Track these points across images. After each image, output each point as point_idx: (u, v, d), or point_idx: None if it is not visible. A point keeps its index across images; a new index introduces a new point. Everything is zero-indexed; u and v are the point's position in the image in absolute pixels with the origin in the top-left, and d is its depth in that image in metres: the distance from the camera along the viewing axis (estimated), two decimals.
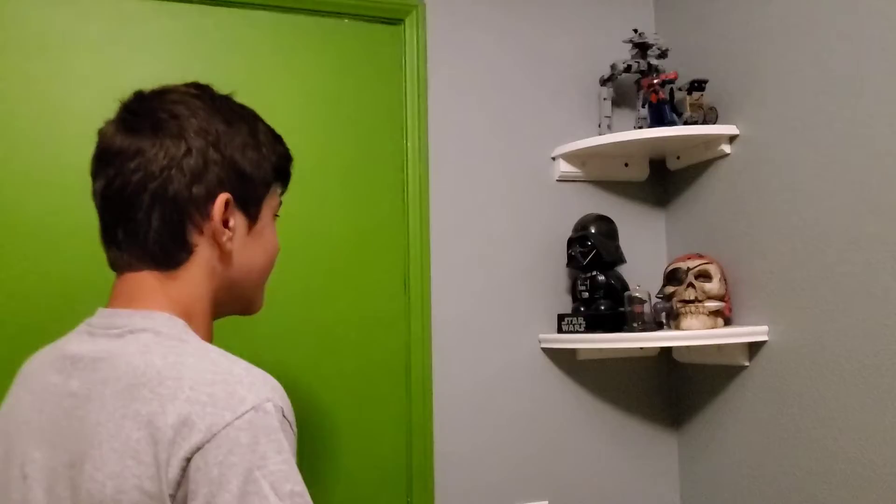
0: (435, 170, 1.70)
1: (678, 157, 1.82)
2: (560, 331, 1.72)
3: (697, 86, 1.66)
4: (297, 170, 1.63)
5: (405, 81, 1.69)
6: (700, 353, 1.73)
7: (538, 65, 1.82)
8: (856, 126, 1.34)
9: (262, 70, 1.59)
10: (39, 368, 0.88)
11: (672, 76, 1.68)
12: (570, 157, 1.79)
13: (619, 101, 1.85)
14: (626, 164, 1.85)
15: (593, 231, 1.69)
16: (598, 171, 1.82)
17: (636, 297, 1.63)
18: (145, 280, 0.87)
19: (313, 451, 1.56)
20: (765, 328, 1.55)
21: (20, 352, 1.37)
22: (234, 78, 1.57)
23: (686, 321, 1.60)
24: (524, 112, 1.79)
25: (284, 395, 0.81)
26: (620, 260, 1.70)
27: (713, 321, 1.59)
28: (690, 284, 1.60)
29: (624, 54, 1.78)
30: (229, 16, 1.57)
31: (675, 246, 1.86)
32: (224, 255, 0.90)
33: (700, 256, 1.65)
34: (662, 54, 1.75)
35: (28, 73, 1.42)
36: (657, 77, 1.69)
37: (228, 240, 0.89)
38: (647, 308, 1.63)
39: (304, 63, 1.62)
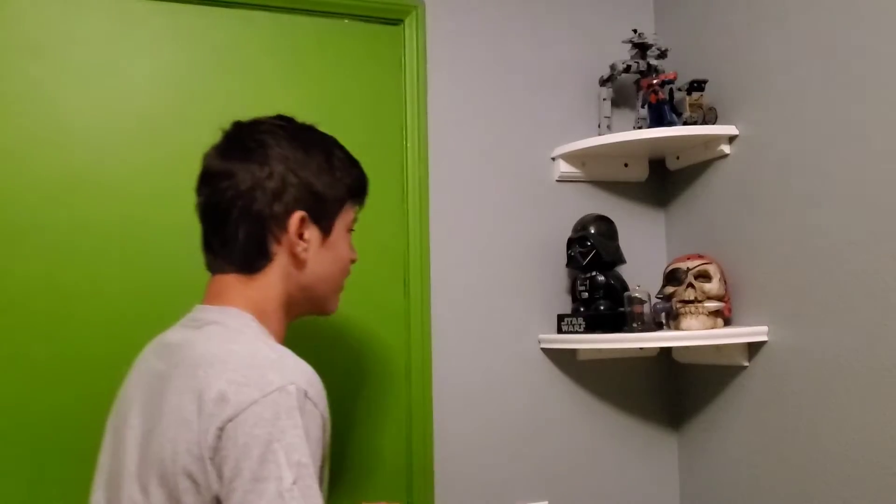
0: (434, 170, 1.70)
1: (678, 158, 1.82)
2: (560, 331, 1.72)
3: (697, 86, 1.67)
4: None
5: (405, 81, 1.69)
6: (700, 354, 1.73)
7: (538, 65, 1.82)
8: (855, 126, 1.34)
9: (261, 70, 1.59)
10: (146, 354, 1.06)
11: (671, 76, 1.68)
12: (569, 158, 1.79)
13: (618, 102, 1.85)
14: (626, 165, 1.85)
15: (593, 231, 1.69)
16: (597, 171, 1.82)
17: (636, 297, 1.63)
18: (230, 281, 1.04)
19: None
20: (764, 328, 1.55)
21: (18, 350, 1.37)
22: (234, 78, 1.57)
23: (686, 321, 1.60)
24: (524, 112, 1.79)
25: (314, 380, 0.92)
26: (620, 260, 1.70)
27: (713, 321, 1.59)
28: (690, 285, 1.60)
29: (623, 54, 1.78)
30: (228, 16, 1.57)
31: (674, 246, 1.86)
32: (299, 263, 1.05)
33: (700, 257, 1.65)
34: (662, 54, 1.75)
35: (26, 72, 1.42)
36: (657, 77, 1.69)
37: (303, 250, 1.04)
38: (646, 308, 1.63)
39: (304, 63, 1.62)
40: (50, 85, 1.44)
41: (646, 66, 1.73)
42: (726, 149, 1.66)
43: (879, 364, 1.29)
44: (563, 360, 1.77)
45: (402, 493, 1.62)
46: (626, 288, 1.68)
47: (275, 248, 1.03)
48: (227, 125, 1.10)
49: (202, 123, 1.54)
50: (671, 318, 1.65)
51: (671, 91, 1.69)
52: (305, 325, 1.59)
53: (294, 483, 0.82)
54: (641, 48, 1.75)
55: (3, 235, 1.39)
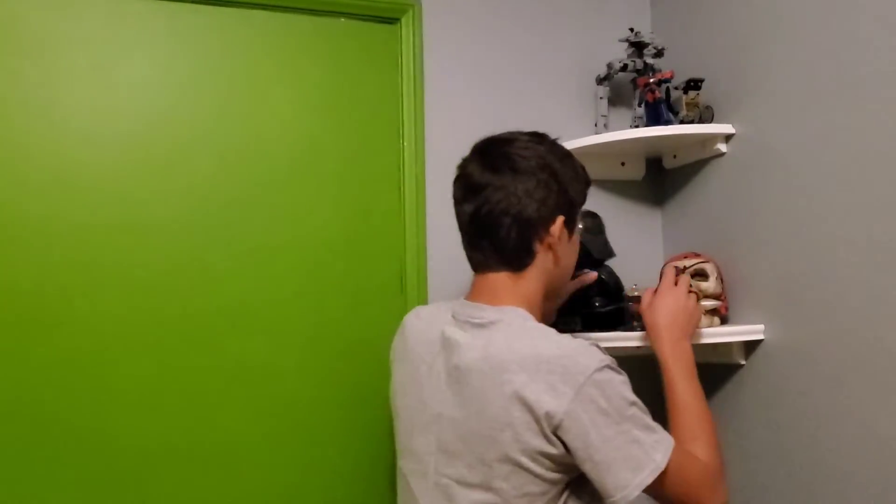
0: (431, 169, 1.70)
1: (674, 156, 1.82)
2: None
3: (693, 85, 1.66)
4: (293, 169, 1.64)
5: (401, 80, 1.69)
6: (696, 352, 1.72)
7: (534, 64, 1.82)
8: (852, 125, 1.34)
9: (258, 69, 1.59)
10: (420, 343, 1.24)
11: (668, 75, 1.68)
12: None
13: (615, 100, 1.85)
14: (623, 164, 1.85)
15: (579, 228, 1.68)
16: (594, 170, 1.78)
17: (635, 295, 1.63)
18: (502, 279, 1.21)
19: (308, 452, 1.57)
20: (761, 327, 1.55)
21: (14, 350, 1.37)
22: (230, 77, 1.57)
23: None
24: (520, 111, 1.79)
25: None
26: (610, 254, 1.69)
27: (709, 320, 1.59)
28: None
29: (620, 53, 1.78)
30: (225, 15, 1.57)
31: (671, 244, 1.86)
32: (556, 260, 1.23)
33: (696, 255, 1.65)
34: (659, 53, 1.75)
35: (23, 72, 1.42)
36: (653, 76, 1.69)
37: (560, 248, 1.22)
38: None
39: (301, 62, 1.62)
40: (46, 84, 1.44)
41: (642, 64, 1.73)
42: (723, 147, 1.66)
43: (875, 362, 1.29)
44: None
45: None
46: (619, 284, 1.67)
47: (537, 247, 1.20)
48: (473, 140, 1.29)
49: (199, 122, 1.54)
50: None
51: (668, 90, 1.69)
52: (299, 325, 1.59)
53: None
54: (638, 47, 1.74)
55: None
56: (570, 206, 1.24)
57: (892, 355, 1.26)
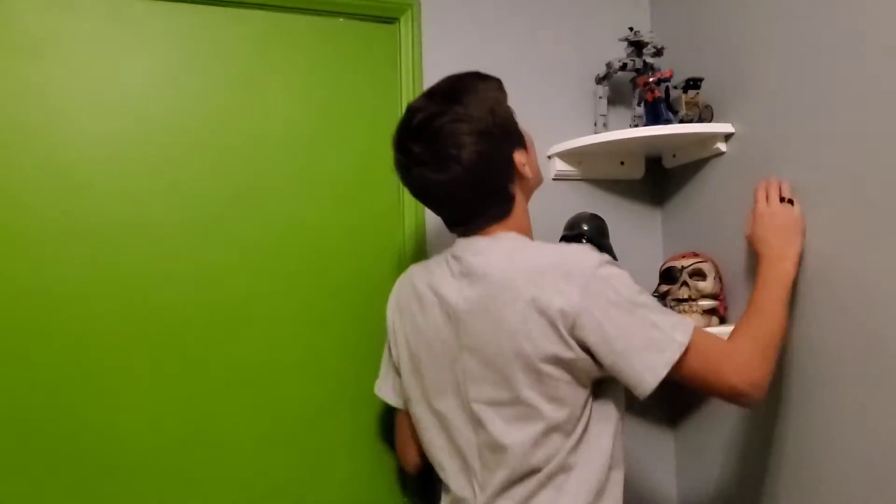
0: None
1: (674, 156, 1.81)
2: None
3: (693, 84, 1.66)
4: (292, 169, 1.64)
5: (400, 80, 1.69)
6: None
7: (533, 63, 1.81)
8: (851, 125, 1.34)
9: (256, 69, 1.59)
10: (422, 290, 1.29)
11: (668, 74, 1.68)
12: (565, 156, 1.79)
13: (614, 100, 1.84)
14: (622, 163, 1.85)
15: (586, 229, 1.68)
16: (593, 169, 1.82)
17: None
18: (492, 229, 1.24)
19: (308, 451, 1.57)
20: None
21: (9, 351, 1.38)
22: (229, 77, 1.57)
23: None
24: (519, 110, 1.75)
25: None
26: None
27: (707, 320, 1.59)
28: (684, 283, 1.60)
29: (619, 52, 1.78)
30: (224, 15, 1.57)
31: (671, 244, 1.86)
32: (531, 174, 1.28)
33: (695, 255, 1.65)
34: (658, 52, 1.74)
35: (21, 73, 1.43)
36: (653, 75, 1.69)
37: (528, 166, 1.27)
38: None
39: (299, 62, 1.62)
40: (45, 85, 1.44)
41: (642, 63, 1.73)
42: (722, 147, 1.66)
43: (873, 363, 1.29)
44: None
45: (397, 492, 1.63)
46: None
47: (513, 188, 1.27)
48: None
49: (198, 121, 1.54)
50: None
51: (667, 89, 1.68)
52: (299, 324, 1.59)
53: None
54: (637, 46, 1.74)
55: None
56: (516, 133, 1.28)
57: (892, 355, 1.26)
